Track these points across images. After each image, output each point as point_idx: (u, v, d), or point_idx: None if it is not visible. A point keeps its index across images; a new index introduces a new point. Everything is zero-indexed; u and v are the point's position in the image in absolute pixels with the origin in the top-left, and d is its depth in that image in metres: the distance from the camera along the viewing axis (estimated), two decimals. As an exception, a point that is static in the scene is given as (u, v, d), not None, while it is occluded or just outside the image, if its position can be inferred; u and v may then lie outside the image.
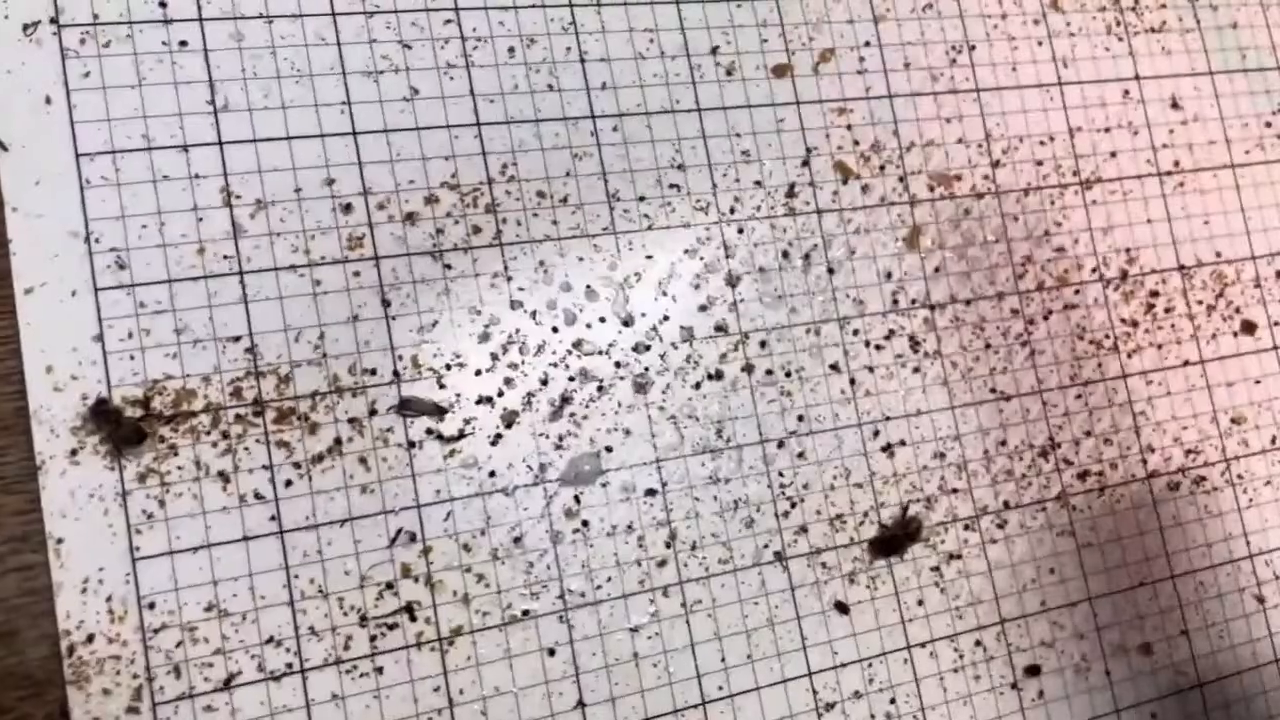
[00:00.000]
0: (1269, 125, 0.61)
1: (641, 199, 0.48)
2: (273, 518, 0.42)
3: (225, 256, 0.42)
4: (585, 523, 0.45)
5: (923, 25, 0.54)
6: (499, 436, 0.45)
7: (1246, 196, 0.60)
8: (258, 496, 0.41)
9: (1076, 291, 0.55)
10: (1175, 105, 0.59)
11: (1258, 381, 0.58)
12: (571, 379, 0.46)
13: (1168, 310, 0.57)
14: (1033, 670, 0.51)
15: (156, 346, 0.41)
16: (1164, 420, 0.55)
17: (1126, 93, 0.58)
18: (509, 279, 0.46)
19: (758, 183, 0.50)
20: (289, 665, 0.41)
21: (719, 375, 0.48)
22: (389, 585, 0.42)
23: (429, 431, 0.44)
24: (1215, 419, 0.57)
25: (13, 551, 0.39)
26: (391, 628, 0.42)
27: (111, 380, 0.41)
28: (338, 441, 0.43)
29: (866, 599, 0.49)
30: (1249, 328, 0.58)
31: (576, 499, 0.45)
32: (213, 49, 0.44)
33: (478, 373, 0.45)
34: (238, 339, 0.42)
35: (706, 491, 0.47)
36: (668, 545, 0.46)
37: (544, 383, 0.46)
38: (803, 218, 0.51)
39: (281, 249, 0.43)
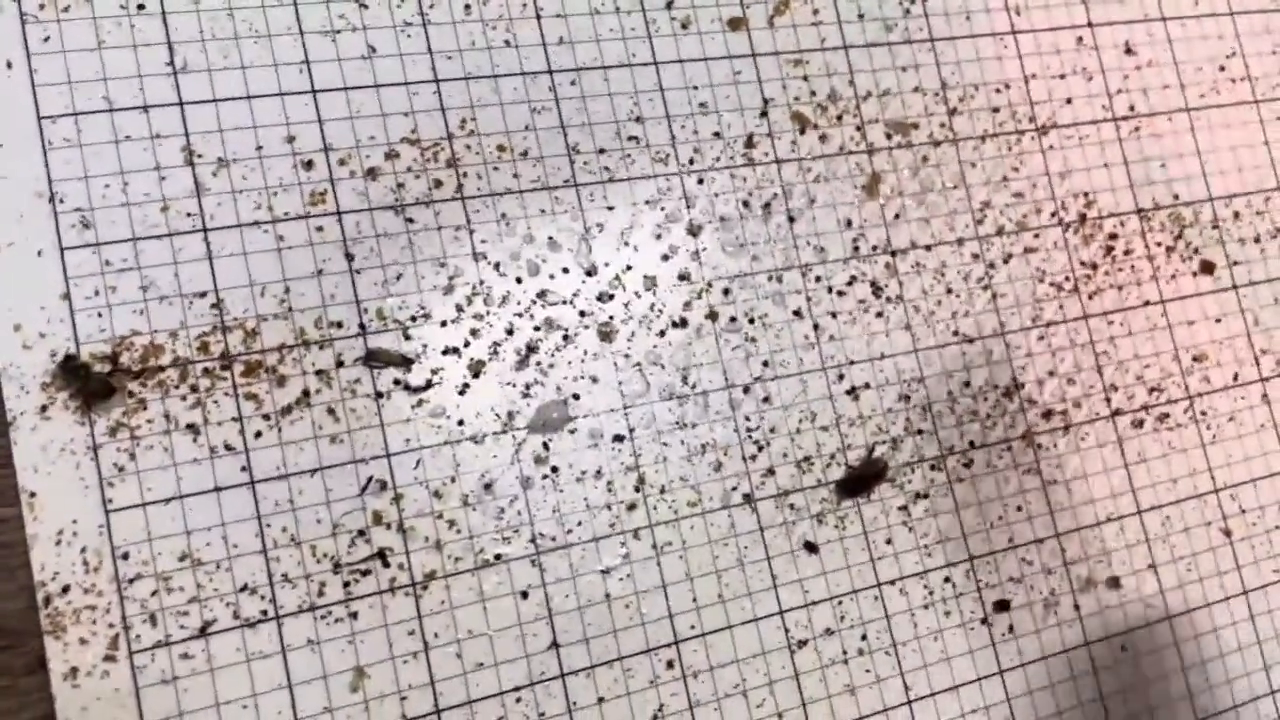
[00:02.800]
0: (1222, 69, 0.62)
1: (601, 151, 0.49)
2: (243, 468, 0.42)
3: (189, 214, 0.43)
4: (554, 469, 0.46)
5: (876, -23, 0.55)
6: (466, 386, 0.45)
7: (1202, 139, 0.60)
8: (228, 448, 0.42)
9: (1036, 235, 0.56)
10: (1129, 51, 0.60)
11: (1218, 320, 0.59)
12: (537, 329, 0.47)
13: (1127, 252, 0.57)
14: (1002, 605, 0.52)
15: (123, 303, 0.42)
16: (1126, 359, 0.56)
17: (1080, 39, 0.59)
18: (471, 231, 0.47)
19: (716, 134, 0.51)
20: (264, 612, 0.42)
21: (683, 323, 0.49)
22: (361, 533, 0.43)
23: (396, 382, 0.44)
24: (1177, 357, 0.57)
25: (-14, 507, 0.39)
26: (365, 574, 0.43)
27: (79, 337, 0.41)
28: (306, 393, 0.43)
29: (835, 538, 0.50)
30: (1208, 268, 0.59)
31: (545, 445, 0.46)
32: (170, 11, 0.44)
33: (443, 324, 0.45)
34: (203, 294, 0.43)
35: (674, 436, 0.48)
36: (637, 489, 0.47)
37: (509, 332, 0.46)
38: (762, 168, 0.52)
39: (244, 206, 0.44)
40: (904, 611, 0.50)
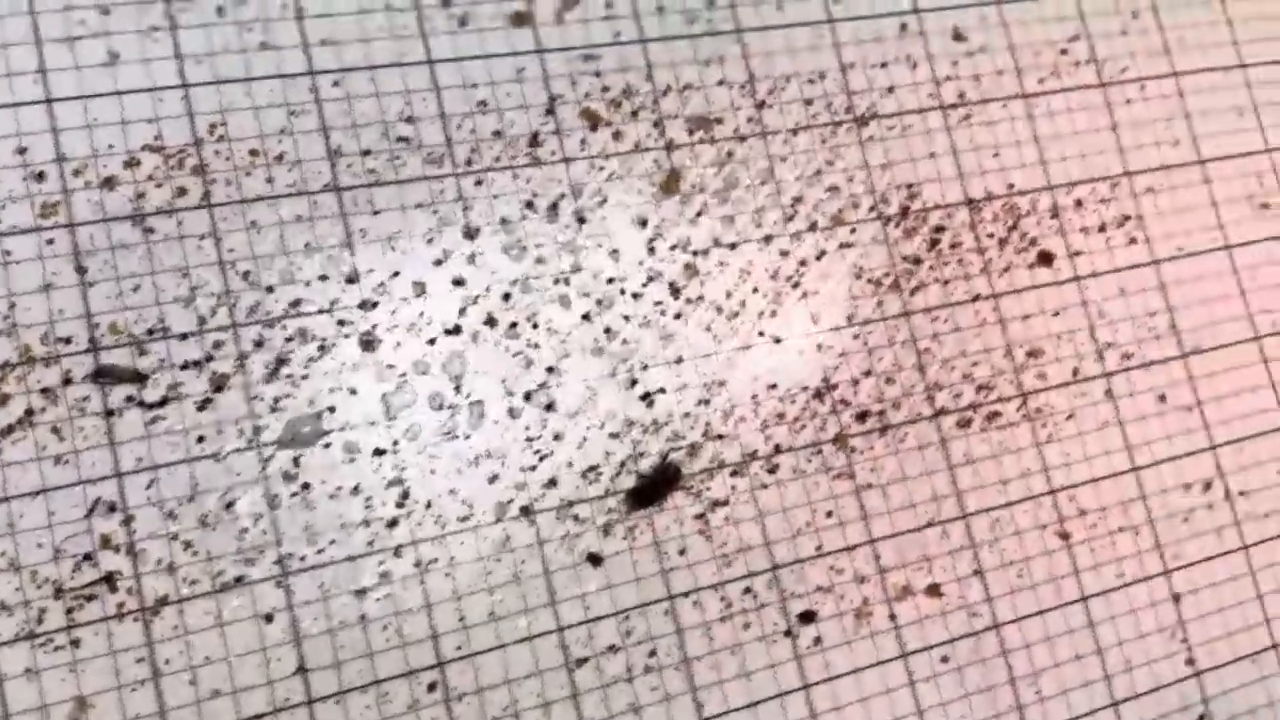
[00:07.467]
0: (1064, 53, 0.59)
1: (366, 153, 0.47)
2: (-42, 492, 0.41)
3: (-96, 230, 0.42)
4: (306, 485, 0.44)
5: (677, -33, 0.53)
6: (208, 401, 0.44)
7: (1041, 126, 0.58)
8: (-60, 471, 0.41)
9: (853, 230, 0.54)
10: (959, 37, 0.57)
11: (1056, 314, 0.56)
12: (289, 339, 0.45)
13: (954, 246, 0.55)
14: (808, 616, 0.49)
15: None
16: (952, 357, 0.54)
17: (904, 26, 0.57)
18: (218, 240, 0.45)
19: (497, 133, 0.49)
20: (-23, 642, 0.40)
21: (456, 330, 0.47)
22: (87, 556, 0.41)
23: (129, 399, 0.43)
24: (1010, 353, 0.55)
25: None
26: (90, 599, 0.41)
27: None
28: (29, 412, 0.42)
29: (624, 549, 0.47)
30: (1046, 259, 0.57)
31: (295, 461, 0.44)
32: (-109, 21, 0.43)
33: (183, 336, 0.44)
34: (-82, 312, 0.41)
35: (443, 448, 0.46)
36: (400, 505, 0.45)
37: (258, 345, 0.45)
38: (548, 167, 0.50)
39: (-34, 220, 0.42)
40: (698, 625, 0.48)
